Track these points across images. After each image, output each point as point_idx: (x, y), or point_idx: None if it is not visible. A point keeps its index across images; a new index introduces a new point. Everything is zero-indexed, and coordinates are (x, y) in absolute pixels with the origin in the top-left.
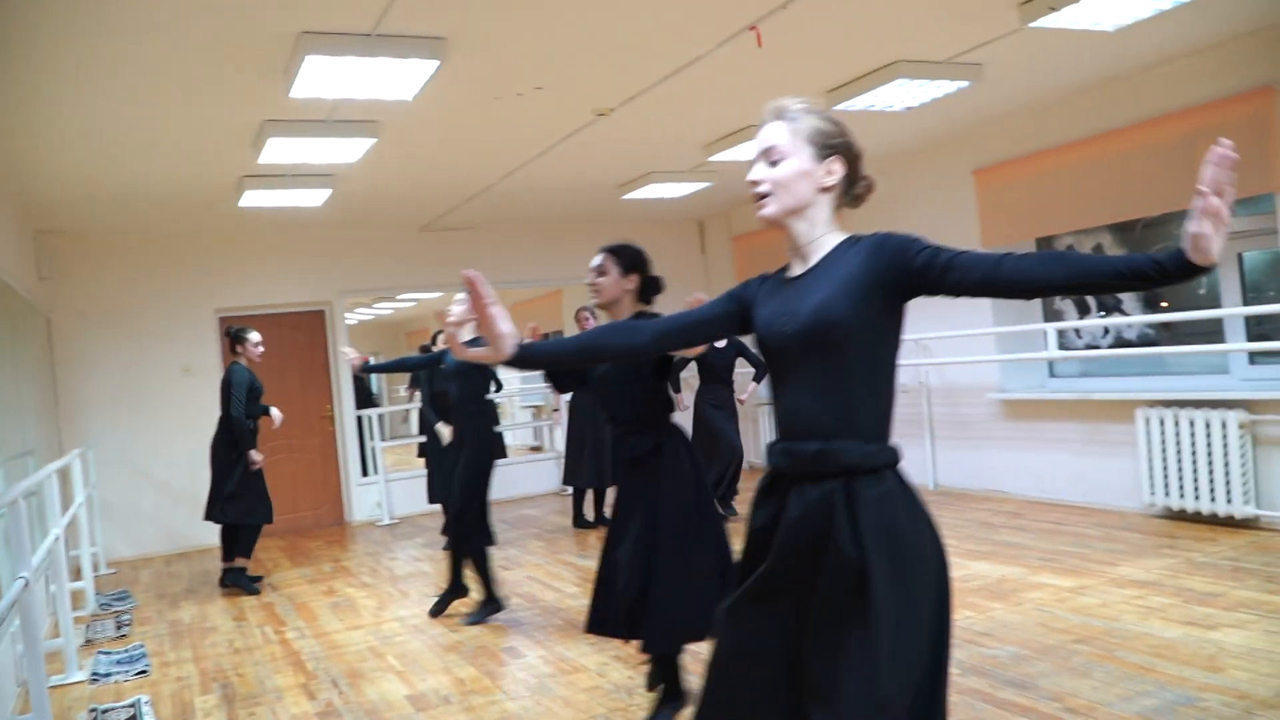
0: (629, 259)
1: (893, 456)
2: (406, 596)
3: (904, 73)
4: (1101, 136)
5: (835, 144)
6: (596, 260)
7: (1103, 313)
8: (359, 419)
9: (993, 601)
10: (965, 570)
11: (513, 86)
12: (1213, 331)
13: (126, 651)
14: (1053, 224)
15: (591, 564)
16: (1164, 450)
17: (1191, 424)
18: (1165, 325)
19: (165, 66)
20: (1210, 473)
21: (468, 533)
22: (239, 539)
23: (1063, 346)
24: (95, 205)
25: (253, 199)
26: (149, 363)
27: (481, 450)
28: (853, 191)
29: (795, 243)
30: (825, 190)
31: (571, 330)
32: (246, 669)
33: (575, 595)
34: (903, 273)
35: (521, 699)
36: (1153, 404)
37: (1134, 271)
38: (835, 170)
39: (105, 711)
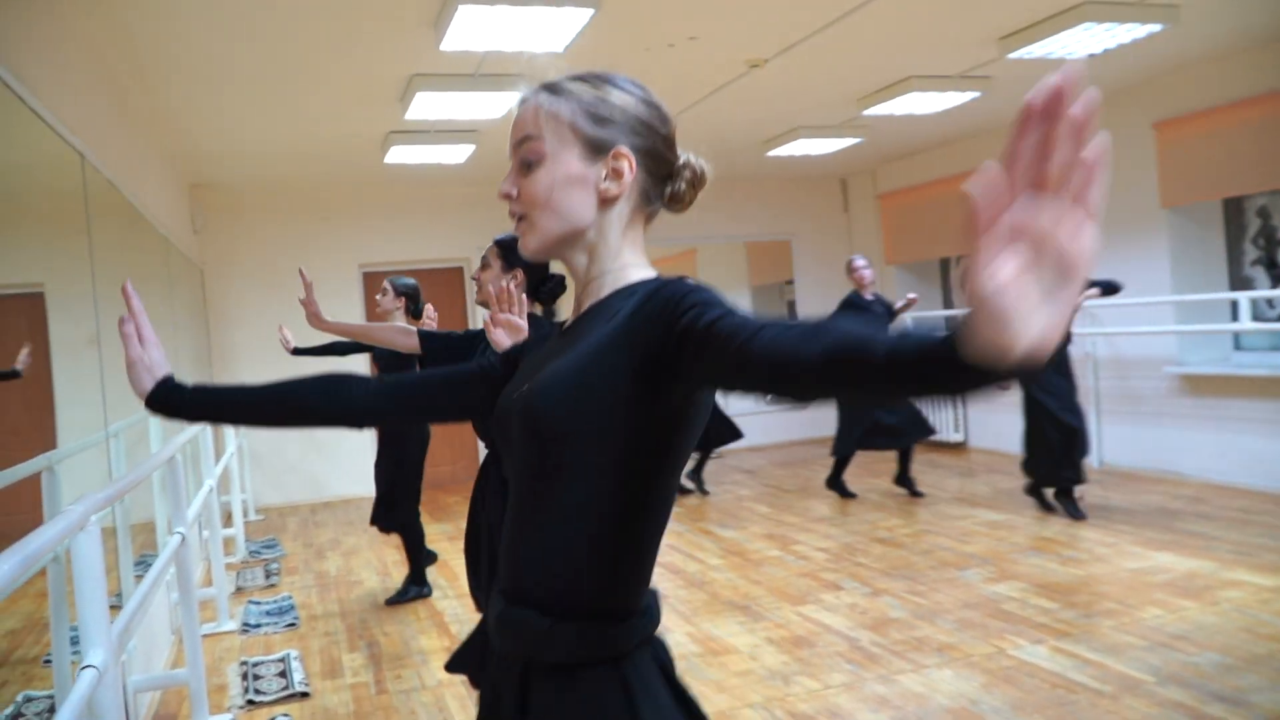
0: (514, 252)
1: (611, 647)
2: None
3: (1091, 15)
4: None
5: (617, 127)
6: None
7: None
8: None
9: (1184, 599)
10: (1148, 562)
11: (665, 37)
12: None
13: (275, 602)
14: (1240, 183)
15: (734, 534)
16: None
17: None
18: None
19: (318, 19)
20: None
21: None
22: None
23: (1255, 318)
24: (245, 160)
25: (398, 155)
26: (295, 316)
27: (400, 437)
28: (665, 191)
29: (574, 278)
30: (609, 202)
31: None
32: (391, 628)
33: (719, 568)
34: (662, 340)
35: None
36: None
37: (903, 370)
38: (621, 169)
39: (256, 664)
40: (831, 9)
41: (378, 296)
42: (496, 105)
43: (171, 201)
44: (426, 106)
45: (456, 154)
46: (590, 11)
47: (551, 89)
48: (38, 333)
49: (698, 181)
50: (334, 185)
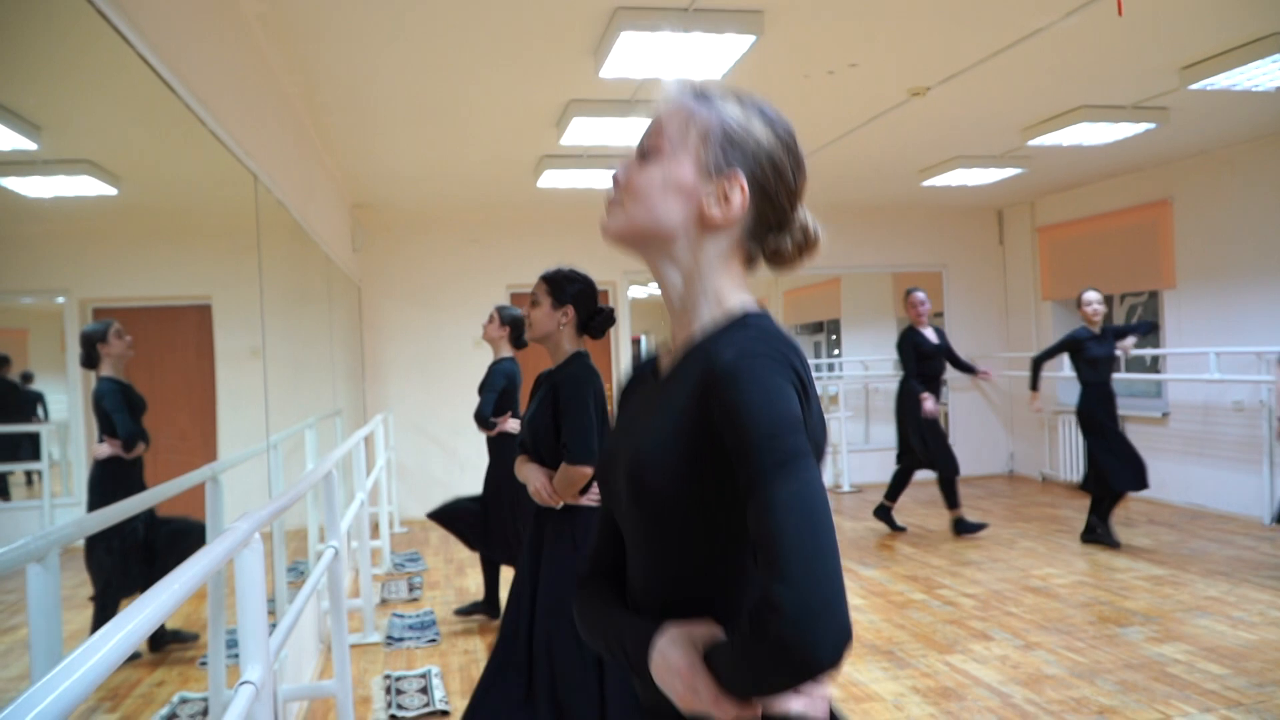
0: (564, 289)
1: None
2: None
3: None
4: None
5: (745, 155)
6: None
7: None
8: None
9: None
10: None
11: (825, 63)
12: None
13: (418, 616)
14: None
15: (875, 574)
16: None
17: None
18: None
19: (481, 48)
20: None
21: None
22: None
23: None
24: (404, 182)
25: (550, 179)
26: (443, 334)
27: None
28: (771, 243)
29: (667, 301)
30: (709, 227)
31: (850, 315)
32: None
33: (860, 608)
34: (720, 434)
35: None
36: None
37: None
38: (732, 198)
39: (399, 679)
40: (1000, 37)
41: (484, 324)
42: None
43: (334, 221)
44: (582, 132)
45: (607, 179)
46: (752, 38)
47: (701, 95)
48: (204, 343)
49: (808, 244)
50: (486, 207)
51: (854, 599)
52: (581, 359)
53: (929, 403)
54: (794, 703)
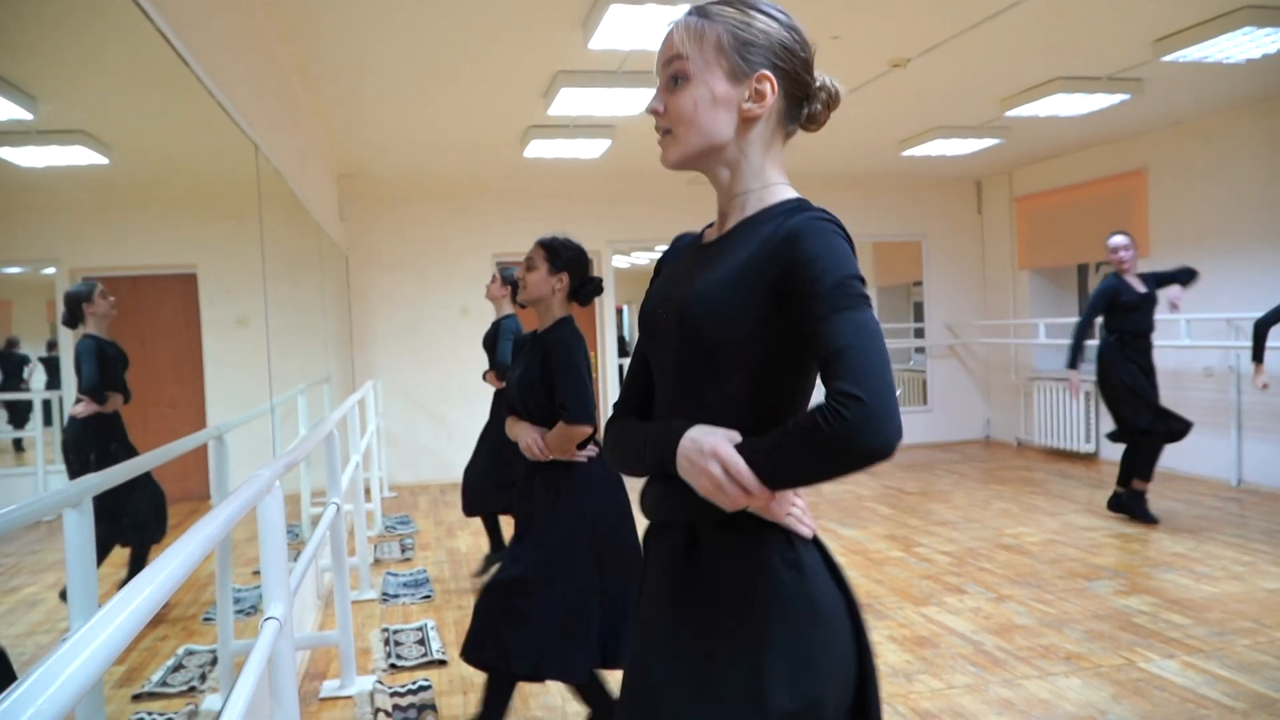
0: (560, 256)
1: None
2: None
3: (1251, 20)
4: None
5: (761, 50)
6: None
7: None
8: (620, 367)
9: None
10: None
11: (809, 36)
12: None
13: (411, 575)
14: None
15: (855, 533)
16: None
17: None
18: None
19: (470, 19)
20: None
21: None
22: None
23: None
24: (391, 152)
25: (537, 149)
26: (430, 302)
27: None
28: (802, 113)
29: (717, 189)
30: (750, 121)
31: None
32: None
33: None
34: (784, 280)
35: None
36: None
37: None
38: (764, 91)
39: (396, 632)
40: (980, 9)
41: (487, 284)
42: (636, 101)
43: (323, 190)
44: (569, 103)
45: (593, 149)
46: None
47: (700, 12)
48: (191, 311)
49: (832, 102)
50: (472, 177)
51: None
52: (569, 324)
53: (1075, 379)
54: (797, 508)
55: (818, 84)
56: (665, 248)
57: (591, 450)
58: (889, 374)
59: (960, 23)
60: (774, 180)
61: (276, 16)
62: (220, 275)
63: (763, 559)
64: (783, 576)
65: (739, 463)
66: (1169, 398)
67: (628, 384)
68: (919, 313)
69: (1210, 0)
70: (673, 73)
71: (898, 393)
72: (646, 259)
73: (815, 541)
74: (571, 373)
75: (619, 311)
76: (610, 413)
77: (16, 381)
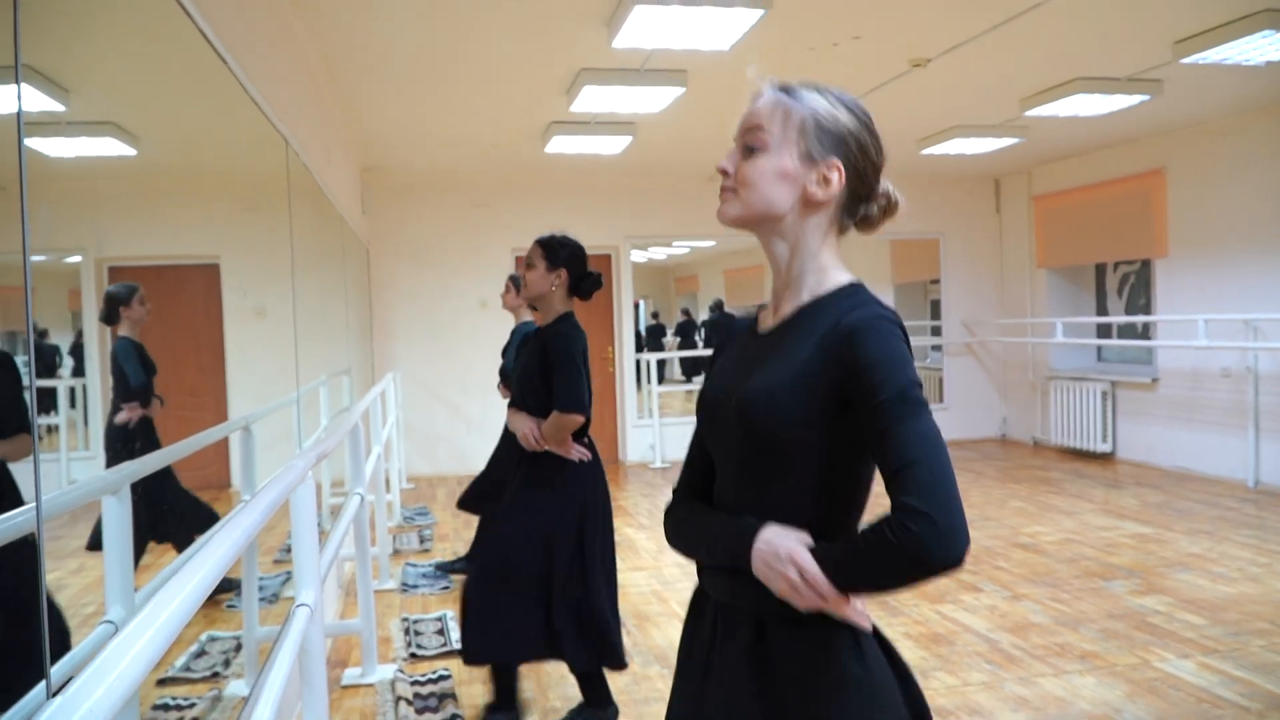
0: (558, 253)
1: None
2: None
3: (1272, 23)
4: None
5: (837, 142)
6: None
7: None
8: (637, 362)
9: None
10: None
11: (830, 36)
12: None
13: (431, 565)
14: None
15: None
16: None
17: None
18: None
19: (496, 15)
20: None
21: None
22: None
23: None
24: (414, 146)
25: (558, 145)
26: (450, 295)
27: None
28: (860, 212)
29: (774, 268)
30: (812, 206)
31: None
32: None
33: None
34: (842, 383)
35: None
36: None
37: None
38: (831, 179)
39: (416, 621)
40: (1001, 10)
41: (502, 294)
42: (658, 99)
43: (346, 183)
44: (592, 99)
45: (614, 145)
46: (761, 12)
47: (789, 92)
48: (213, 301)
49: (890, 210)
50: (494, 171)
51: None
52: (570, 318)
53: None
54: (858, 608)
55: (881, 189)
56: (680, 244)
57: (584, 454)
58: (954, 485)
59: (981, 23)
60: (829, 264)
61: (303, 10)
62: (243, 266)
63: (833, 653)
64: (852, 670)
65: (816, 571)
66: (1186, 398)
67: (687, 467)
68: (936, 310)
69: (1230, 3)
70: (750, 142)
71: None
72: (664, 254)
73: (875, 631)
74: (568, 365)
75: (636, 306)
76: (669, 483)
77: (48, 371)
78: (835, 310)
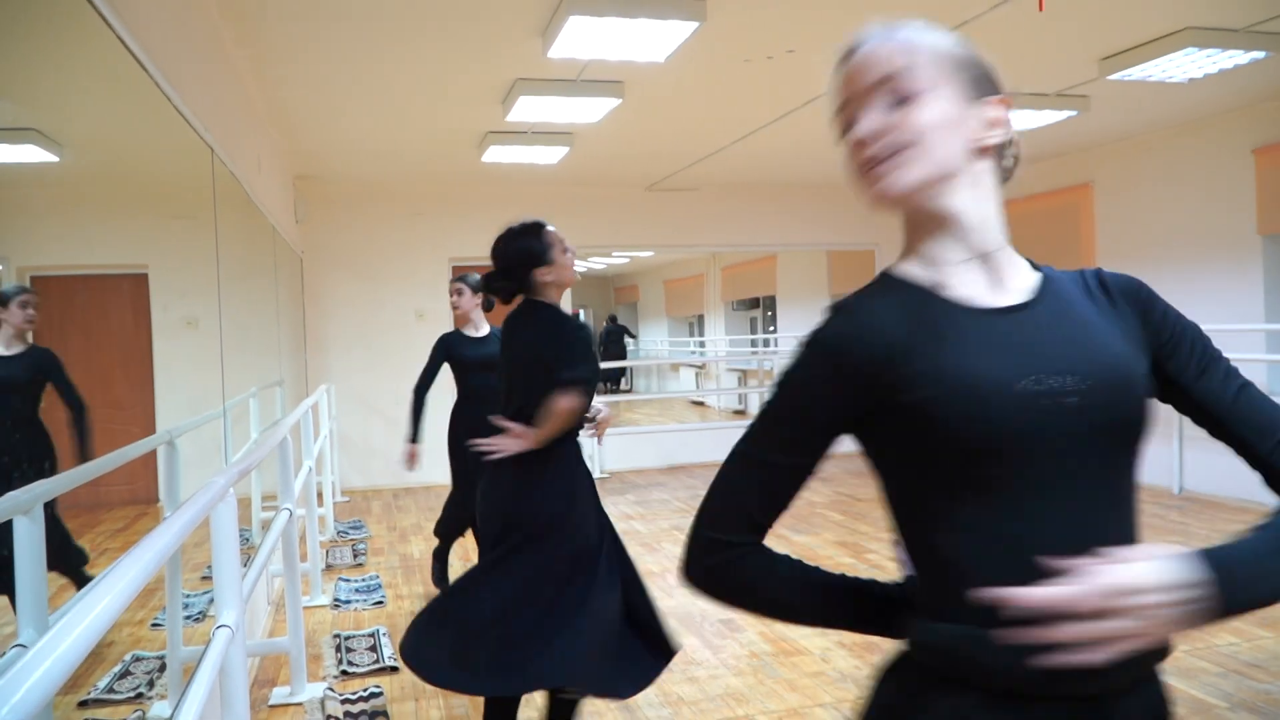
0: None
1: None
2: None
3: (1194, 41)
4: None
5: (982, 77)
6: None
7: None
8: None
9: (1260, 629)
10: None
11: (765, 49)
12: None
13: (364, 580)
14: None
15: (806, 539)
16: None
17: None
18: None
19: (430, 21)
20: None
21: None
22: None
23: None
24: (348, 155)
25: (495, 155)
26: (386, 306)
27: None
28: (1003, 162)
29: (962, 237)
30: (985, 152)
31: (786, 292)
32: None
33: None
34: (1150, 343)
35: (744, 675)
36: None
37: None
38: (1000, 119)
39: (348, 638)
40: (937, 23)
41: (453, 299)
42: (595, 110)
43: (278, 192)
44: (527, 109)
45: (551, 155)
46: (695, 24)
47: (915, 28)
48: (141, 311)
49: (1019, 161)
50: (429, 181)
51: None
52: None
53: None
54: None
55: (1013, 136)
56: (620, 254)
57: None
58: None
59: None
60: (1001, 220)
61: (232, 18)
62: (172, 276)
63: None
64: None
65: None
66: None
67: (759, 499)
68: None
69: (1154, 22)
70: (897, 90)
71: None
72: (603, 264)
73: None
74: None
75: (575, 315)
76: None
77: None
78: (1062, 273)
